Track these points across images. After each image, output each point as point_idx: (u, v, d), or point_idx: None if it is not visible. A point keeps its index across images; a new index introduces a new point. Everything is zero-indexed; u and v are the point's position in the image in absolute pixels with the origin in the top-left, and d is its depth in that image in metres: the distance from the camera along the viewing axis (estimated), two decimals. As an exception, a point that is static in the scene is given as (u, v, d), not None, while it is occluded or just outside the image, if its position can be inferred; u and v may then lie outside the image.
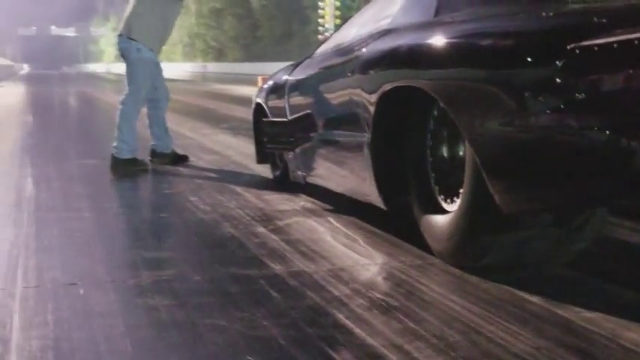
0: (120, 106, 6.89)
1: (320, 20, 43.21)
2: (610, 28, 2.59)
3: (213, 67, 65.55)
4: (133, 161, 6.74)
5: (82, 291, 3.13)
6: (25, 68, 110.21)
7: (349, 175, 4.40)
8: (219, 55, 76.19)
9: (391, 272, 3.36)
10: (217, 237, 4.13)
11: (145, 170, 6.76)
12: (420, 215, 3.70)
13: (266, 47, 65.54)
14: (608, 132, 2.55)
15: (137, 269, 3.47)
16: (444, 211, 3.56)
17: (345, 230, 4.20)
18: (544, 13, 3.02)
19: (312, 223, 4.43)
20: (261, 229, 4.25)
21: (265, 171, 6.42)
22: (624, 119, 2.55)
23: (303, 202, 5.06)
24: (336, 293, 3.06)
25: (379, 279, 3.27)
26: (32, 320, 2.78)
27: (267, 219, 4.54)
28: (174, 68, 70.33)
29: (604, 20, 2.68)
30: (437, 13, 3.78)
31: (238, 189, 5.68)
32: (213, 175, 6.51)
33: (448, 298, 2.97)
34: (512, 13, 3.26)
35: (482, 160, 3.02)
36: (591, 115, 2.61)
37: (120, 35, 7.06)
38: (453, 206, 3.48)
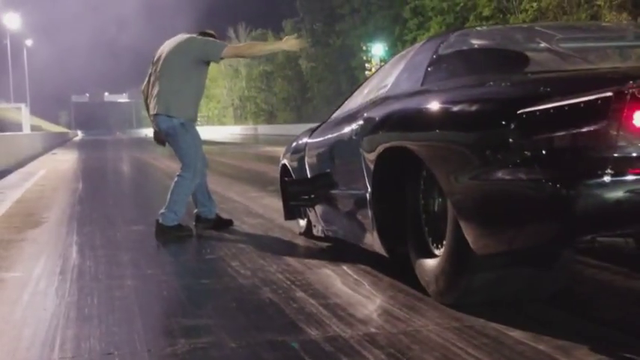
0: (176, 178, 6.92)
1: (367, 80, 43.47)
2: (550, 96, 3.11)
3: (264, 129, 66.22)
4: (178, 227, 6.77)
5: (117, 361, 3.15)
6: (79, 134, 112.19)
7: (357, 227, 4.94)
8: (270, 117, 77.15)
9: (427, 335, 3.34)
10: (256, 302, 4.13)
11: (190, 236, 6.79)
12: (415, 260, 4.17)
13: (316, 108, 66.22)
14: (550, 183, 3.01)
15: (174, 337, 3.49)
16: (434, 256, 4.02)
17: (382, 295, 4.20)
18: (502, 84, 3.70)
19: (351, 286, 4.42)
20: (300, 294, 4.25)
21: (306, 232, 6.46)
22: (563, 172, 3.00)
23: (344, 264, 5.04)
24: (371, 358, 3.05)
25: (415, 343, 3.24)
26: (66, 392, 2.81)
27: (306, 283, 4.54)
28: (225, 131, 71.20)
29: (548, 89, 3.27)
30: (423, 83, 4.41)
31: (280, 252, 5.70)
32: (256, 238, 6.53)
33: (483, 362, 2.94)
34: (479, 83, 3.87)
35: (457, 209, 3.54)
36: (537, 169, 3.08)
37: (157, 115, 6.95)
38: (441, 251, 3.94)
